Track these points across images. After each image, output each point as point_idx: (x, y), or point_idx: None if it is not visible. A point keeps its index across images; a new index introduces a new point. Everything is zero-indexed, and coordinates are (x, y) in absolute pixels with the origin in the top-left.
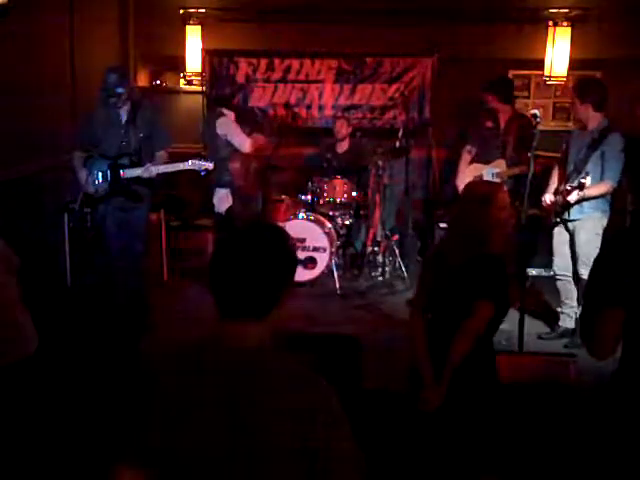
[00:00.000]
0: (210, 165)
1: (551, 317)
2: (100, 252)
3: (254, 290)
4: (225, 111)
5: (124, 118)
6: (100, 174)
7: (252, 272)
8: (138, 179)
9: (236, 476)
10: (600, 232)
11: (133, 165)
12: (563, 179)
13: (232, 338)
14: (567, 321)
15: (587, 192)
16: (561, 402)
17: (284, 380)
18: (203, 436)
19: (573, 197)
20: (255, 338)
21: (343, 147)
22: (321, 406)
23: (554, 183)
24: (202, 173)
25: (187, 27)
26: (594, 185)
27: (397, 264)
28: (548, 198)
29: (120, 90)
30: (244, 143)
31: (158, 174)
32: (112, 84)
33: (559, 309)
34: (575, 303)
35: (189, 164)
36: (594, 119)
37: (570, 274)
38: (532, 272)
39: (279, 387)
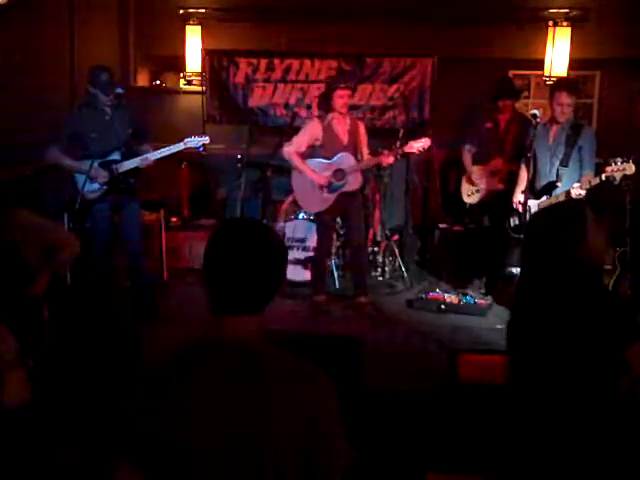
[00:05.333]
0: (206, 139)
1: None
2: (95, 252)
3: (255, 287)
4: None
5: (110, 117)
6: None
7: (252, 269)
8: (131, 172)
9: (235, 471)
10: None
11: (125, 159)
12: (534, 179)
13: (232, 333)
14: None
15: (593, 183)
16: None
17: (288, 375)
18: (204, 432)
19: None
20: (253, 333)
21: None
22: (322, 402)
23: (522, 182)
24: (200, 150)
25: (187, 27)
26: (589, 178)
27: (397, 264)
28: (518, 198)
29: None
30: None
31: (156, 160)
32: (108, 83)
33: None
34: None
35: (185, 143)
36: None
37: None
38: (513, 271)
39: (283, 382)
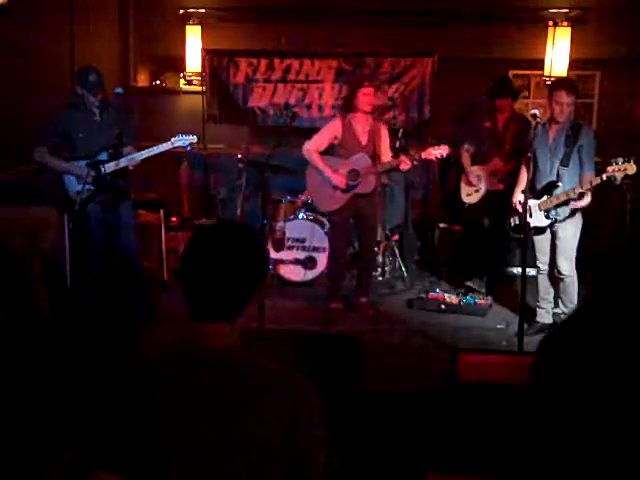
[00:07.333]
0: (194, 138)
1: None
2: (92, 253)
3: (228, 293)
4: None
5: (98, 118)
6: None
7: (226, 275)
8: (119, 173)
9: (215, 477)
10: (581, 226)
11: (113, 159)
12: (534, 178)
13: (206, 339)
14: (545, 317)
15: (593, 183)
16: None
17: (262, 379)
18: (182, 438)
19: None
20: (229, 337)
21: None
22: (301, 408)
23: (522, 182)
24: (188, 148)
25: (187, 27)
26: (590, 178)
27: (397, 264)
28: (518, 199)
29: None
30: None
31: (143, 159)
32: (95, 83)
33: (537, 304)
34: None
35: (173, 142)
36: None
37: (548, 270)
38: (513, 271)
39: (258, 387)
